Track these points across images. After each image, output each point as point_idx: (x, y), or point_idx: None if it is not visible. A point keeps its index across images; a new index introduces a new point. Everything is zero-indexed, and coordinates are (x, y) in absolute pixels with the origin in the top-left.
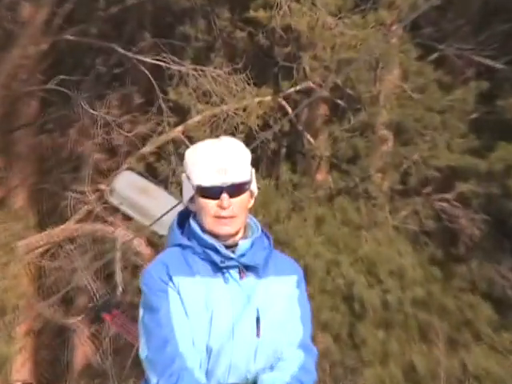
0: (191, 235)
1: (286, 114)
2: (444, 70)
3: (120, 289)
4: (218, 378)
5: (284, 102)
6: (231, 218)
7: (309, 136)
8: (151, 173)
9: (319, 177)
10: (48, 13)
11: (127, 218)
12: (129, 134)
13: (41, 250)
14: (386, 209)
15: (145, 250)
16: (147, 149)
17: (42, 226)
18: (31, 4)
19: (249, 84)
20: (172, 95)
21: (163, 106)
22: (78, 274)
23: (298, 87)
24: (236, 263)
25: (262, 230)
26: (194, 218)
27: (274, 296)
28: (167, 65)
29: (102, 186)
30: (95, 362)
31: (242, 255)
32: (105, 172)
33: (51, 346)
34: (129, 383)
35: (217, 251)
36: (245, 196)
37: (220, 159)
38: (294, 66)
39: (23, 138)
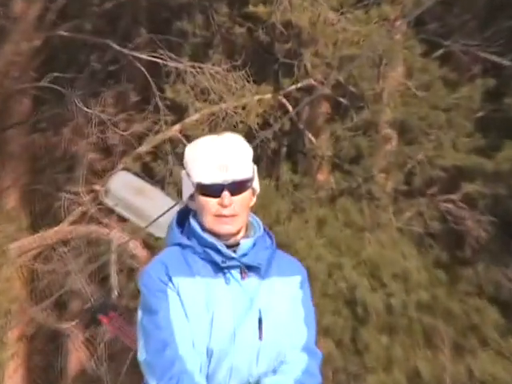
0: (191, 234)
1: (286, 112)
2: (449, 67)
3: (115, 292)
4: (218, 382)
5: (284, 100)
6: (232, 217)
7: (310, 135)
8: (147, 173)
9: (321, 177)
10: (41, 8)
11: (123, 219)
12: (124, 133)
13: (33, 252)
14: (390, 210)
15: (141, 252)
16: (143, 148)
17: (34, 227)
18: None
19: (248, 81)
20: (169, 93)
21: (160, 104)
22: (71, 278)
23: (298, 85)
24: (237, 263)
25: (265, 229)
26: (194, 216)
27: (276, 297)
28: (164, 61)
29: (97, 187)
30: (90, 367)
31: (244, 255)
32: (100, 172)
33: (44, 351)
34: None
35: (218, 251)
36: (246, 194)
37: (221, 156)
38: (294, 62)
39: (15, 136)
